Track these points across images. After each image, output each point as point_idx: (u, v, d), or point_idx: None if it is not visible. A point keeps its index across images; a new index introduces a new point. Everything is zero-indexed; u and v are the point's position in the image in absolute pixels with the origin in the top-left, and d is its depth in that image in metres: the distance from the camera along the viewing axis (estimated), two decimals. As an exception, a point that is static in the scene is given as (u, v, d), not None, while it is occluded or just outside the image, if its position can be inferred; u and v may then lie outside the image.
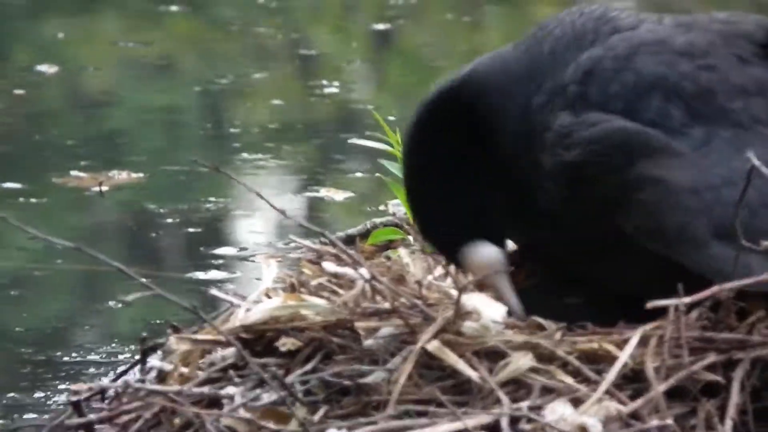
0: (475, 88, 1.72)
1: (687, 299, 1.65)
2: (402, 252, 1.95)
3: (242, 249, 2.76)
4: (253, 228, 2.90)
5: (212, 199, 3.05)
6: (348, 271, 1.84)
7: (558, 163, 1.67)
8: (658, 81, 1.67)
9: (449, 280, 1.89)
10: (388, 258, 1.96)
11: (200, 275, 2.62)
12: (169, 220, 2.95)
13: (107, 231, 2.97)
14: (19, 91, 3.93)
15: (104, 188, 3.11)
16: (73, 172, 3.20)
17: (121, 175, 3.17)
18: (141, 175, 3.19)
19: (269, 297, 1.86)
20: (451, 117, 1.73)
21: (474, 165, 1.74)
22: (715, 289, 1.65)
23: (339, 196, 3.05)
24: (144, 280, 1.73)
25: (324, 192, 3.08)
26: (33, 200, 3.07)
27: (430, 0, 5.01)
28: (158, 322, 2.30)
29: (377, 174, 2.21)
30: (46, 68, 4.15)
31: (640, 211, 1.66)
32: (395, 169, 2.13)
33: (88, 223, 3.00)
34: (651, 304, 1.64)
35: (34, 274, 2.62)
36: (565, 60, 1.70)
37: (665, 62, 1.67)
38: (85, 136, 3.55)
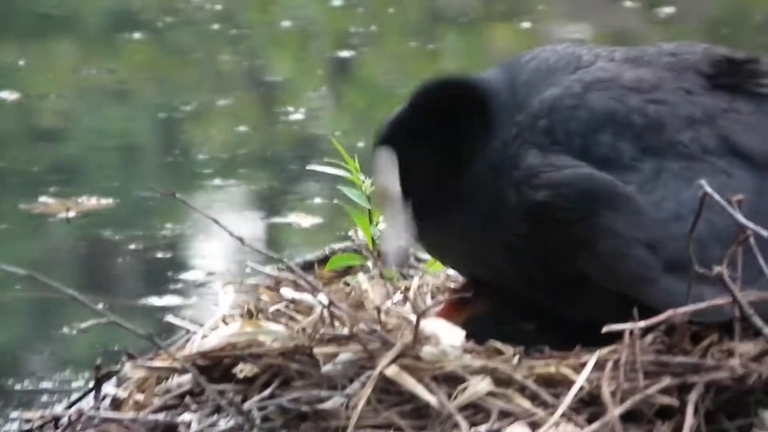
0: (485, 88, 1.76)
1: (642, 323, 1.67)
2: (361, 278, 1.96)
3: (202, 275, 2.74)
4: (212, 254, 2.89)
5: (171, 226, 3.03)
6: (306, 297, 1.83)
7: (524, 202, 1.72)
8: (608, 116, 1.73)
9: (408, 306, 1.89)
10: (347, 284, 1.96)
11: (158, 301, 2.60)
12: (132, 246, 2.93)
13: (68, 257, 2.95)
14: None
15: (71, 214, 3.10)
16: (42, 198, 3.18)
17: (90, 201, 3.15)
18: (110, 200, 3.17)
19: (226, 323, 1.85)
20: (456, 97, 1.75)
21: (457, 148, 1.75)
22: (668, 313, 1.68)
23: (306, 222, 3.05)
24: (99, 307, 1.71)
25: (293, 217, 3.08)
26: None
27: (391, 28, 5.06)
28: (114, 349, 2.27)
29: (335, 201, 2.21)
30: (7, 95, 4.13)
31: (599, 258, 1.72)
32: (353, 195, 2.14)
33: (50, 249, 2.97)
34: (607, 329, 1.67)
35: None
36: (536, 92, 1.75)
37: (615, 97, 1.73)
38: (52, 162, 3.53)
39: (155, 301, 2.61)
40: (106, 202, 3.19)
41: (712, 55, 1.80)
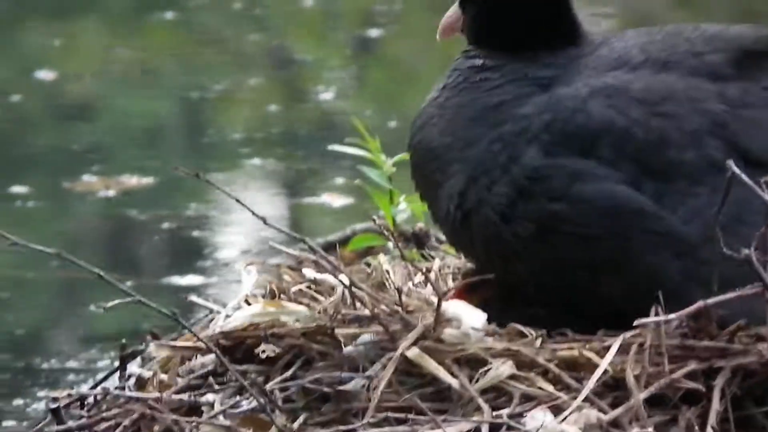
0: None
1: (672, 316, 1.65)
2: (382, 259, 1.95)
3: (230, 255, 2.75)
4: (239, 235, 2.90)
5: (202, 206, 3.05)
6: (328, 277, 1.83)
7: (535, 210, 1.69)
8: (607, 126, 1.70)
9: (429, 287, 1.89)
10: (368, 264, 1.96)
11: (183, 281, 2.61)
12: (164, 225, 2.95)
13: (100, 236, 2.98)
14: (16, 97, 3.94)
15: (110, 193, 3.14)
16: (85, 177, 3.22)
17: (131, 180, 3.19)
18: (150, 179, 3.20)
19: (249, 303, 1.85)
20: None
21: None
22: (698, 304, 1.65)
23: (337, 202, 3.05)
24: (125, 286, 1.72)
25: (324, 197, 3.08)
26: (38, 204, 3.07)
27: (415, 6, 5.02)
28: (141, 328, 2.29)
29: (356, 181, 2.21)
30: (44, 74, 4.17)
31: (631, 282, 1.69)
32: (374, 175, 2.13)
33: (85, 227, 3.00)
34: (637, 323, 1.64)
35: (18, 279, 2.60)
36: (571, 82, 1.73)
37: (617, 107, 1.70)
38: (92, 142, 3.57)
39: (181, 280, 2.63)
40: (147, 181, 3.22)
41: (736, 50, 1.74)
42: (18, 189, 3.19)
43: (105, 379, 1.94)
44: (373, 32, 4.73)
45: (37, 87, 4.14)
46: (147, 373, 1.81)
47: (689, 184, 1.68)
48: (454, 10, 1.84)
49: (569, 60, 1.77)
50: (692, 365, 1.66)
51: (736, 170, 1.64)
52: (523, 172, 1.71)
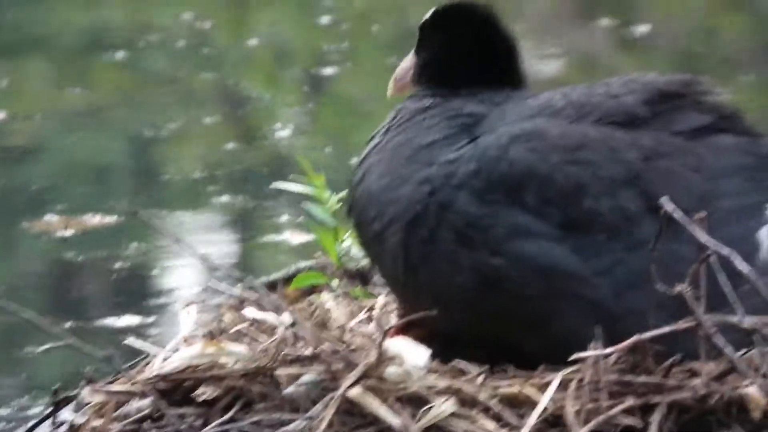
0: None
1: (609, 350, 1.66)
2: (325, 296, 1.93)
3: (169, 296, 2.71)
4: (185, 276, 2.86)
5: (152, 246, 3.02)
6: (269, 316, 1.81)
7: (478, 261, 1.70)
8: (529, 172, 1.72)
9: (373, 325, 1.87)
10: (311, 303, 1.94)
11: (123, 322, 2.57)
12: (118, 265, 2.92)
13: (46, 276, 2.93)
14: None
15: (68, 233, 3.11)
16: (47, 217, 3.19)
17: (93, 220, 3.16)
18: (113, 218, 3.17)
19: (187, 345, 1.82)
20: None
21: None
22: (633, 339, 1.66)
23: (296, 239, 3.04)
24: (61, 329, 1.68)
25: (286, 235, 3.06)
26: None
27: (362, 45, 5.06)
28: (77, 372, 2.24)
29: (300, 218, 2.19)
30: (-3, 115, 4.15)
31: (549, 339, 1.71)
32: (318, 212, 2.12)
33: (33, 268, 2.96)
34: (576, 356, 1.65)
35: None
36: (495, 128, 1.77)
37: (538, 152, 1.73)
38: (49, 181, 3.53)
39: (123, 321, 2.58)
40: (108, 220, 3.20)
41: (651, 91, 1.78)
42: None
43: (35, 426, 1.89)
44: (326, 70, 4.76)
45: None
46: (80, 419, 1.76)
47: (606, 237, 1.70)
48: (409, 61, 1.88)
49: (504, 99, 1.81)
50: (630, 401, 1.67)
51: (670, 208, 1.66)
52: (460, 220, 1.72)
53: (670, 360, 1.69)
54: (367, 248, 1.81)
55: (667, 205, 1.67)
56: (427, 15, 1.86)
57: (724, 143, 1.77)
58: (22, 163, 3.80)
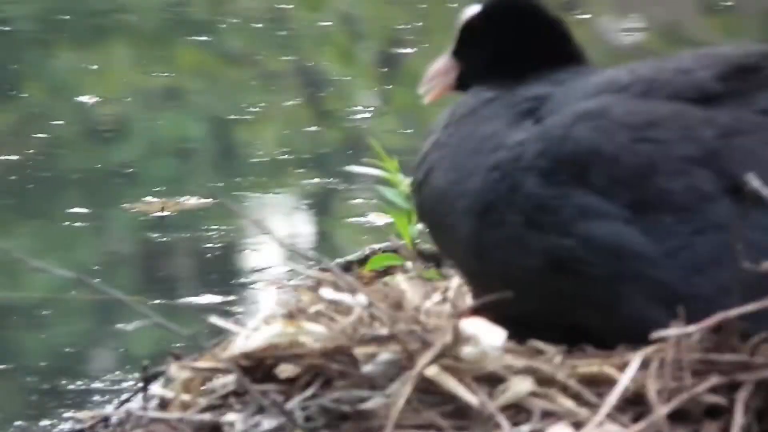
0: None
1: (691, 328, 1.63)
2: (399, 278, 1.95)
3: (247, 276, 2.78)
4: (265, 256, 2.92)
5: (231, 227, 3.09)
6: (345, 297, 1.84)
7: (547, 244, 1.68)
8: (595, 151, 1.68)
9: (447, 306, 1.88)
10: (386, 284, 1.96)
11: (204, 301, 2.64)
12: (208, 245, 3.00)
13: (140, 256, 3.04)
14: (59, 122, 4.05)
15: (165, 213, 3.22)
16: (147, 198, 3.30)
17: (189, 201, 3.27)
18: (209, 200, 3.26)
19: (268, 324, 1.86)
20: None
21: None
22: (718, 316, 1.63)
23: (381, 220, 3.06)
24: (148, 307, 1.74)
25: (371, 216, 3.10)
26: (93, 224, 3.10)
27: (437, 23, 5.03)
28: (166, 348, 2.32)
29: (374, 200, 2.21)
30: (87, 99, 4.27)
31: (617, 320, 1.69)
32: (391, 195, 2.14)
33: (128, 247, 3.07)
34: (656, 335, 1.63)
35: (58, 300, 2.66)
36: (559, 110, 1.74)
37: (603, 131, 1.68)
38: (146, 162, 3.65)
39: (206, 300, 2.65)
40: (204, 201, 3.30)
41: (726, 65, 1.72)
42: (78, 210, 3.29)
43: (128, 399, 1.97)
44: (402, 50, 4.74)
45: (79, 110, 4.24)
46: (169, 394, 1.82)
47: (677, 219, 1.66)
48: (444, 65, 1.84)
49: (567, 77, 1.77)
50: (714, 379, 1.64)
51: (756, 184, 1.61)
52: (528, 202, 1.71)
53: (757, 337, 1.65)
54: (441, 244, 1.81)
55: (753, 181, 1.62)
56: (467, 16, 1.81)
57: None
58: (112, 144, 3.91)
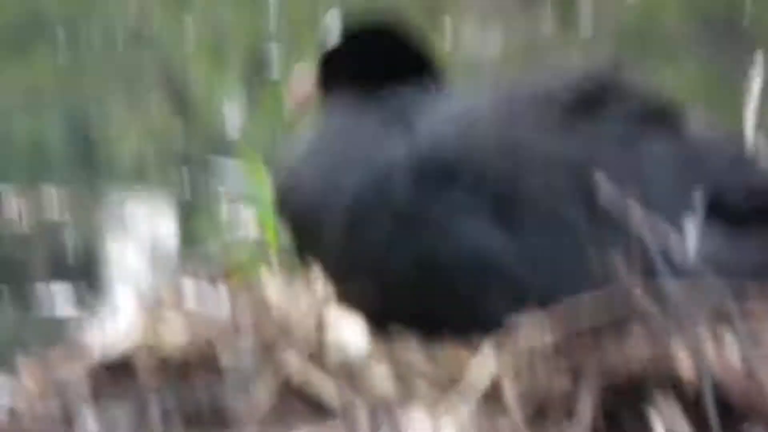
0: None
1: (541, 314, 1.70)
2: (264, 272, 1.95)
3: (112, 276, 2.71)
4: (124, 255, 2.86)
5: (84, 224, 2.99)
6: (206, 290, 1.82)
7: (409, 239, 1.74)
8: (461, 154, 1.75)
9: (310, 299, 1.90)
10: (250, 279, 1.95)
11: (61, 294, 2.55)
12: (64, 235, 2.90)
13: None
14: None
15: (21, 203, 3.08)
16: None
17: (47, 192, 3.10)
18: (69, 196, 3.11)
19: (129, 322, 1.82)
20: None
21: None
22: (566, 302, 1.69)
23: (247, 215, 3.00)
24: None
25: (238, 211, 3.03)
26: None
27: (304, 23, 5.03)
28: (16, 347, 2.23)
29: (240, 196, 2.17)
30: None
31: (469, 313, 1.76)
32: (256, 190, 2.13)
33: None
34: (509, 321, 1.70)
35: None
36: (430, 117, 1.80)
37: (469, 135, 1.76)
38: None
39: (64, 292, 2.57)
40: (65, 197, 3.16)
41: (584, 78, 1.81)
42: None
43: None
44: (269, 46, 4.71)
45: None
46: (18, 388, 1.76)
47: (536, 219, 1.74)
48: (304, 77, 1.87)
49: (429, 91, 1.83)
50: (562, 364, 1.71)
51: (606, 190, 1.69)
52: (398, 203, 1.75)
53: (601, 325, 1.73)
54: (307, 245, 1.83)
55: (604, 183, 1.70)
56: (331, 45, 1.84)
57: (655, 138, 1.80)
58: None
